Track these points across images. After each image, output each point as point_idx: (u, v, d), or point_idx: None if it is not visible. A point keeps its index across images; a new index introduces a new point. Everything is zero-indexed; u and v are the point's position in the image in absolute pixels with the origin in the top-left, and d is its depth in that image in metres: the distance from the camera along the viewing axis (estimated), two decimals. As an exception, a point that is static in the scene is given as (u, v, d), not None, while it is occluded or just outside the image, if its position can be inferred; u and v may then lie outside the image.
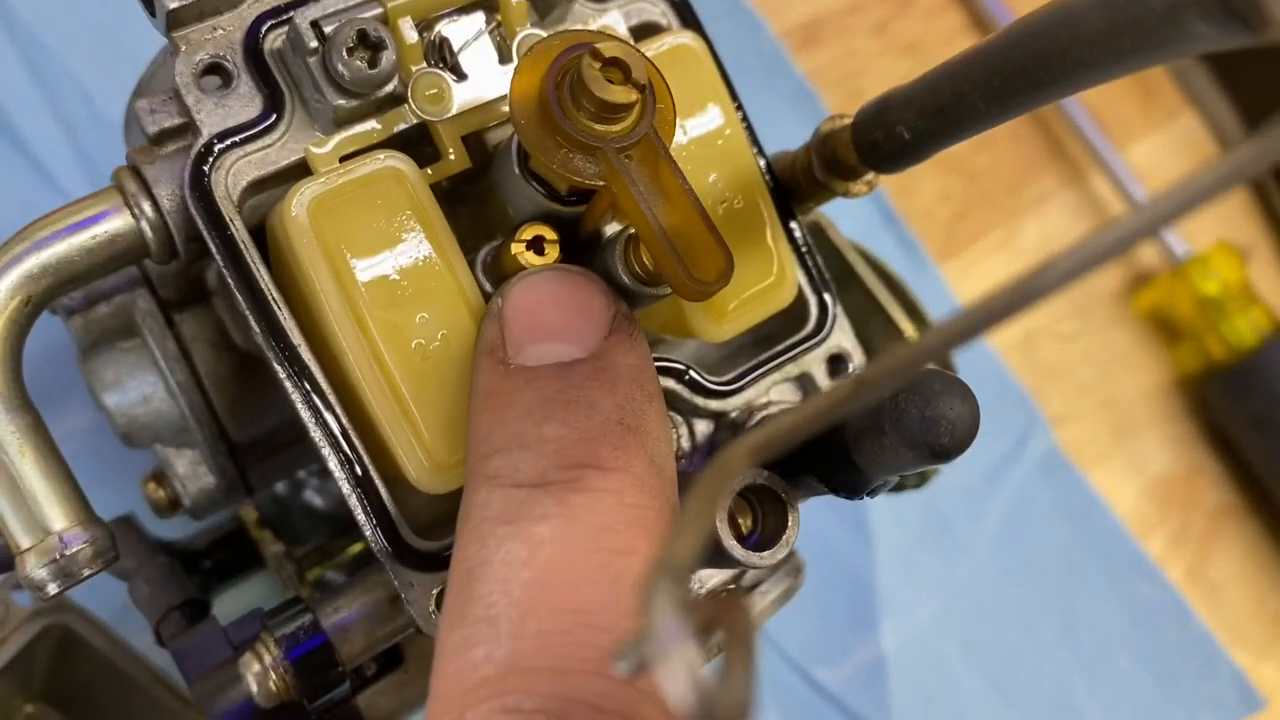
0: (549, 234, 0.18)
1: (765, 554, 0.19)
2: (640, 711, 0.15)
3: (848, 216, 0.40)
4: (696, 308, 0.20)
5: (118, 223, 0.18)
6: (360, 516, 0.18)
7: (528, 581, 0.15)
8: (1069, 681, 0.40)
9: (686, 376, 0.20)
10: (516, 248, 0.17)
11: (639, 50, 0.16)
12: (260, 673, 0.19)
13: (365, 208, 0.17)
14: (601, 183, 0.16)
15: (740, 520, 0.19)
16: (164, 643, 0.21)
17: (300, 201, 0.17)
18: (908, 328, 0.26)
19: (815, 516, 0.38)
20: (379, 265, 0.17)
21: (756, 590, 0.22)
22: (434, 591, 0.18)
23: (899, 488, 0.29)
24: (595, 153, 0.16)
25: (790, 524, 0.19)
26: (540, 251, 0.18)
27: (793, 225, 0.21)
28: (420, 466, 0.17)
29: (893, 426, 0.17)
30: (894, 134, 0.20)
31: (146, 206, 0.18)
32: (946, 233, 0.44)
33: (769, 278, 0.20)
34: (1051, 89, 0.17)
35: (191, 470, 0.23)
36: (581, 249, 0.18)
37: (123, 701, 0.30)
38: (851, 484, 0.19)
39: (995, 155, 0.46)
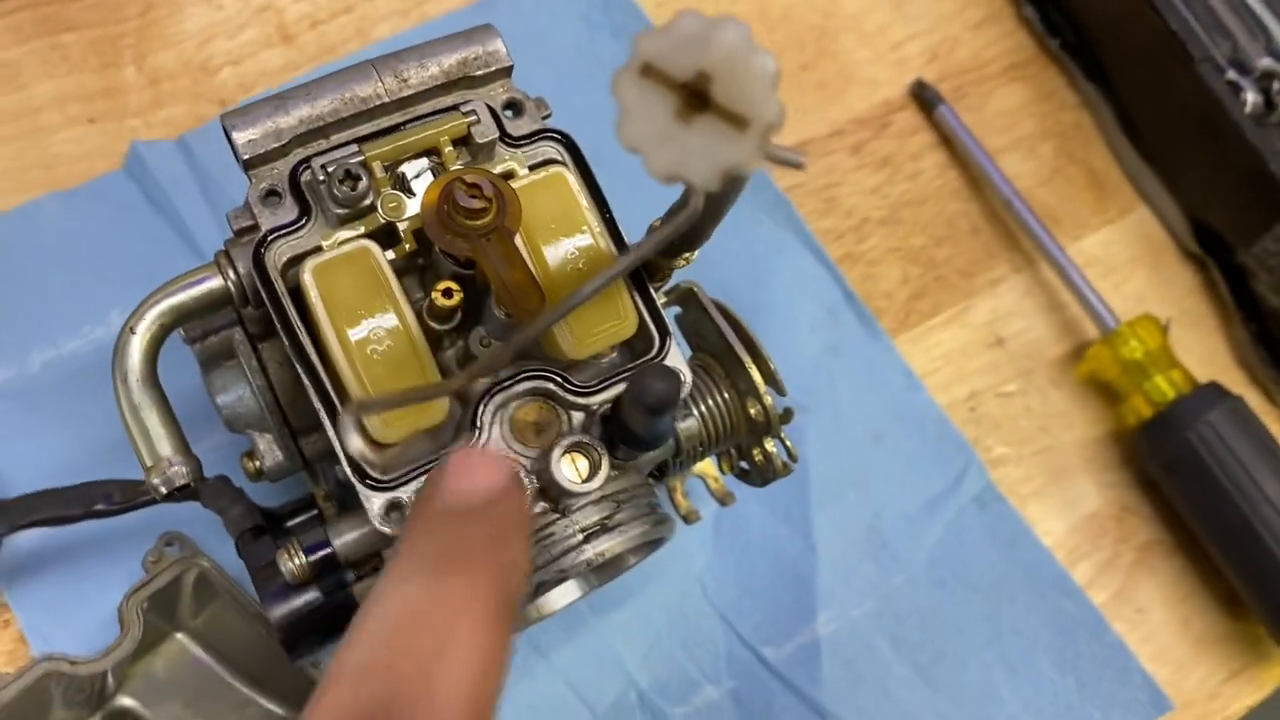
0: (454, 286, 0.29)
1: (585, 483, 0.29)
2: None
3: (815, 295, 0.50)
4: (563, 336, 0.31)
5: (215, 283, 0.31)
6: (340, 454, 0.29)
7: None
8: (992, 676, 0.48)
9: (559, 380, 0.31)
10: (435, 294, 0.29)
11: (492, 176, 0.28)
12: (289, 564, 0.31)
13: (348, 272, 0.29)
14: (471, 255, 0.28)
15: (577, 467, 0.30)
16: (240, 553, 0.33)
17: (309, 267, 0.29)
18: (749, 362, 0.36)
19: (768, 529, 0.48)
20: (353, 305, 0.29)
21: (618, 527, 0.32)
22: (382, 500, 0.29)
23: (746, 478, 0.39)
24: (466, 237, 0.28)
25: (603, 467, 0.30)
26: (449, 296, 0.29)
27: (649, 287, 0.33)
28: (375, 424, 0.29)
29: (628, 395, 0.28)
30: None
31: (231, 273, 0.31)
32: (904, 310, 0.54)
33: (615, 319, 0.31)
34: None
35: (269, 448, 0.35)
36: (478, 296, 0.30)
37: (240, 634, 0.42)
38: (643, 442, 0.29)
39: (955, 247, 0.56)
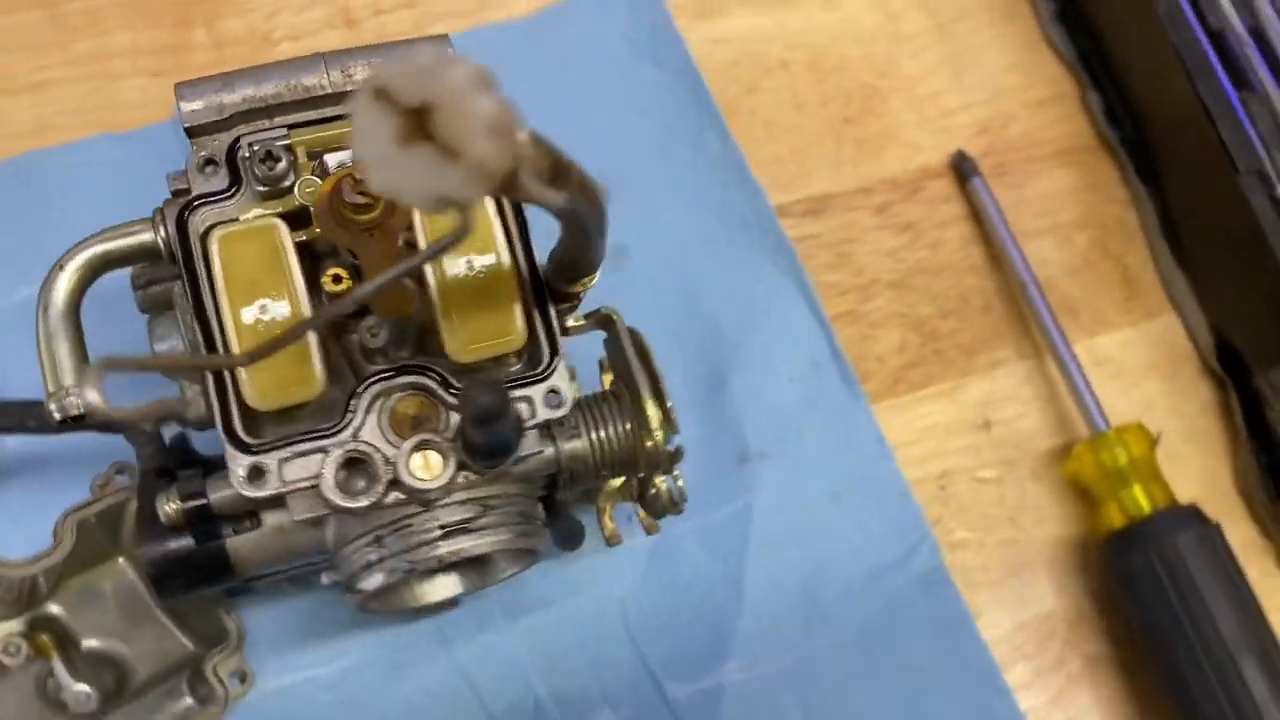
0: (343, 273, 0.31)
1: (430, 481, 0.30)
2: None
3: (802, 346, 0.50)
4: (449, 338, 0.32)
5: (147, 236, 0.33)
6: (217, 414, 0.31)
7: None
8: (901, 759, 0.47)
9: (439, 378, 0.33)
10: (324, 279, 0.31)
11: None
12: (165, 508, 0.33)
13: (252, 245, 0.31)
14: (351, 248, 0.29)
15: (428, 463, 0.31)
16: (139, 491, 0.36)
17: (217, 235, 0.31)
18: (646, 397, 0.36)
19: (701, 566, 0.48)
20: (252, 278, 0.31)
21: (480, 530, 0.33)
22: (246, 464, 0.31)
23: (646, 507, 0.40)
24: (348, 229, 0.29)
25: (449, 467, 0.31)
26: (337, 281, 0.31)
27: (550, 306, 0.34)
28: (252, 392, 0.31)
29: (459, 404, 0.29)
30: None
31: (162, 230, 0.33)
32: (894, 377, 0.53)
33: (501, 331, 0.32)
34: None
35: (195, 398, 0.37)
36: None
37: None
38: (483, 451, 0.30)
39: (962, 322, 0.55)
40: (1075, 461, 0.51)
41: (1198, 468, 0.54)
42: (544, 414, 0.33)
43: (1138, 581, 0.48)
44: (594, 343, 0.47)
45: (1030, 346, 0.55)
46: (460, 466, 0.31)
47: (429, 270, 0.32)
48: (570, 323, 0.37)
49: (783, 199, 0.55)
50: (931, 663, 0.48)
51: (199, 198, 0.32)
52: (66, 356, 0.33)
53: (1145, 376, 0.55)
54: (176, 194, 0.33)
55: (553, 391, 0.33)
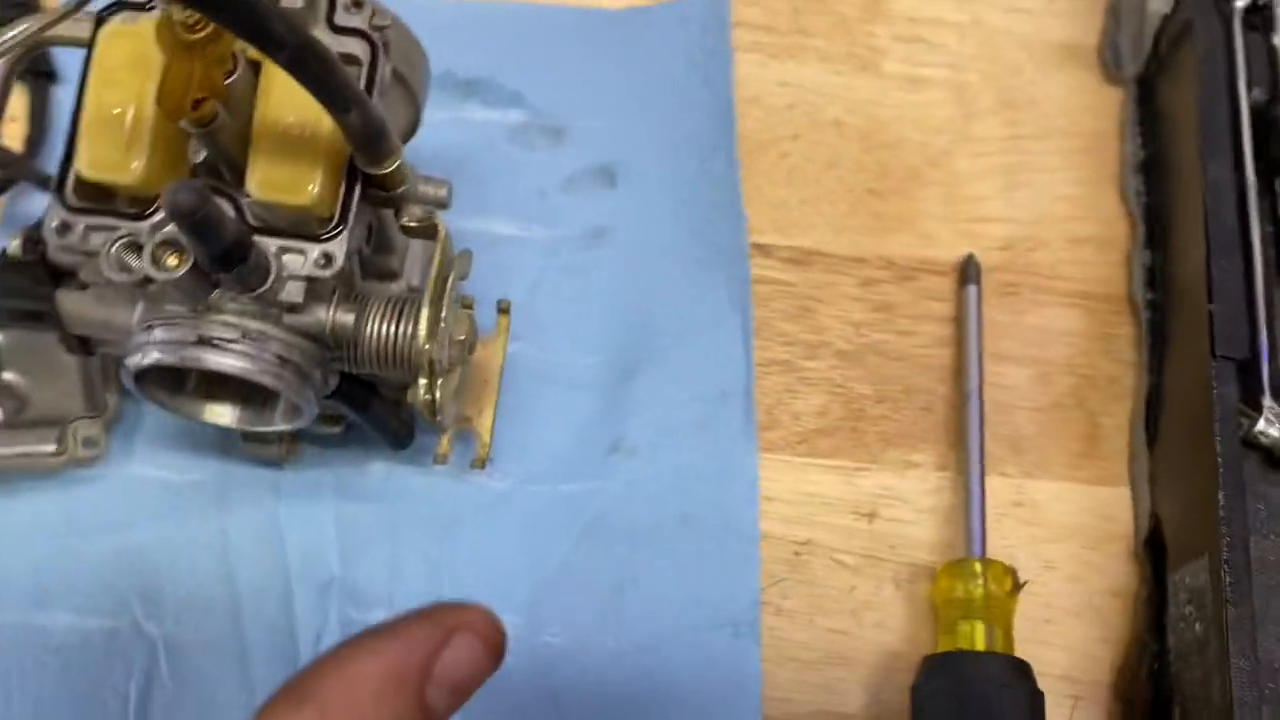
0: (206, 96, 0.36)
1: (156, 270, 0.35)
2: None
3: (717, 373, 0.51)
4: (254, 174, 0.36)
5: (86, 31, 0.40)
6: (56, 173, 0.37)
7: None
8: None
9: (234, 205, 0.37)
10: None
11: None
12: (12, 242, 0.39)
13: (129, 40, 0.37)
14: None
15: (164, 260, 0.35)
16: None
17: (105, 30, 0.37)
18: (424, 306, 0.39)
19: (523, 532, 0.50)
20: (118, 65, 0.37)
21: (227, 351, 0.37)
22: (58, 217, 0.37)
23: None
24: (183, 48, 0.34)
25: (167, 263, 0.35)
26: (195, 107, 0.36)
27: (357, 185, 0.37)
28: (81, 161, 0.37)
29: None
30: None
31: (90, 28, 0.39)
32: (801, 437, 0.53)
33: (297, 185, 0.36)
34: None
35: None
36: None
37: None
38: (212, 257, 0.34)
39: (894, 414, 0.54)
40: (937, 579, 0.49)
41: (1080, 641, 0.50)
42: (309, 269, 0.37)
43: (932, 710, 0.45)
44: (496, 286, 0.51)
45: (953, 461, 0.53)
46: (204, 275, 0.36)
47: (257, 114, 0.36)
48: (404, 221, 0.40)
49: (773, 240, 0.56)
50: (701, 705, 0.48)
51: (122, 2, 0.39)
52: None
53: (1063, 536, 0.51)
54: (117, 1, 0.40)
55: (326, 255, 0.37)
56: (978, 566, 0.48)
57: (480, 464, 0.48)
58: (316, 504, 0.50)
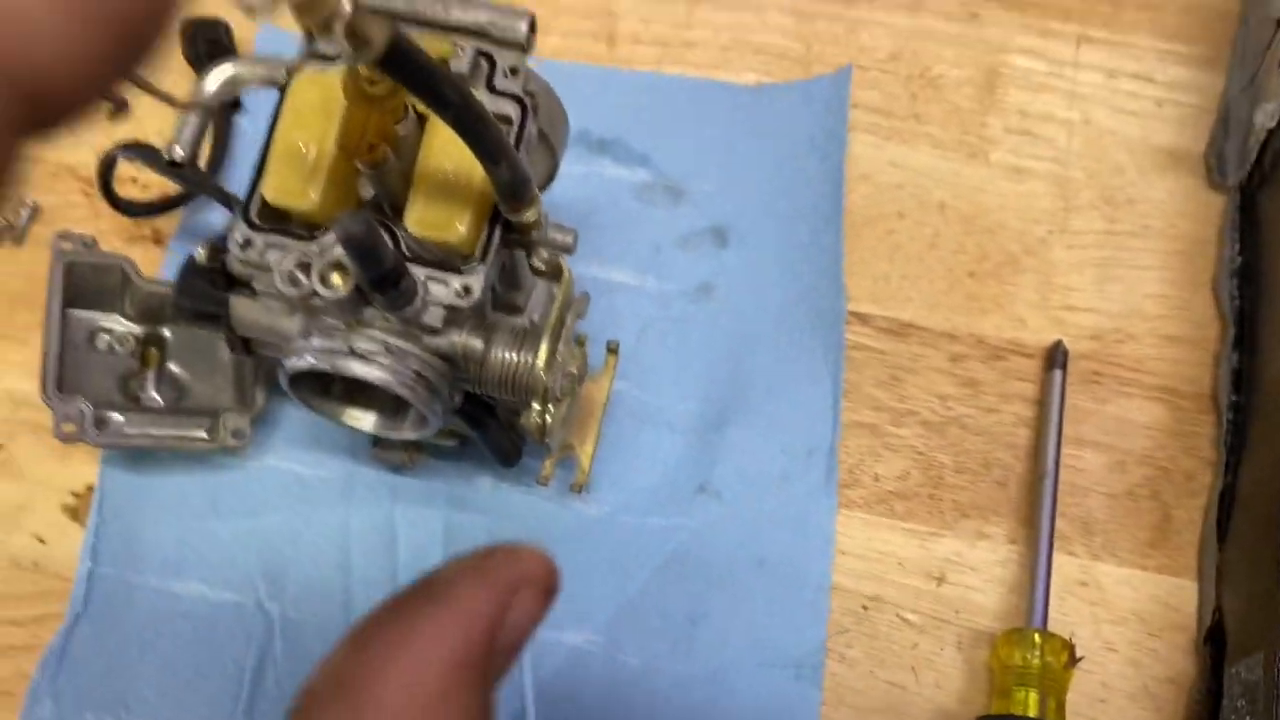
0: (377, 141, 0.42)
1: (325, 288, 0.40)
2: None
3: (806, 430, 0.55)
4: (412, 210, 0.41)
5: (280, 73, 0.46)
6: (245, 195, 0.43)
7: None
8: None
9: (392, 236, 0.42)
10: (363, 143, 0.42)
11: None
12: (200, 250, 0.45)
13: (318, 88, 0.43)
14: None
15: (331, 279, 0.40)
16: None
17: (299, 75, 0.43)
18: (545, 339, 0.43)
19: (613, 557, 0.54)
20: (307, 109, 0.43)
21: (374, 364, 0.42)
22: (241, 233, 0.42)
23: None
24: (364, 99, 0.40)
25: (335, 282, 0.40)
26: (371, 149, 0.42)
27: (498, 229, 0.42)
28: (267, 186, 0.42)
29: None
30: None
31: (284, 73, 0.45)
32: (880, 498, 0.56)
33: (449, 224, 0.41)
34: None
35: None
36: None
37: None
38: (369, 281, 0.39)
39: (972, 485, 0.56)
40: (997, 647, 0.51)
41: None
42: (450, 299, 0.42)
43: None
44: (608, 328, 0.55)
45: (1024, 536, 0.55)
46: (361, 295, 0.41)
47: (419, 159, 0.41)
48: (534, 262, 0.45)
49: (871, 310, 0.60)
50: (756, 737, 0.51)
51: (315, 54, 0.44)
52: (191, 129, 0.46)
53: (1125, 621, 0.53)
54: (312, 53, 0.45)
55: (466, 287, 0.42)
56: (1037, 637, 0.50)
57: (578, 489, 0.52)
58: (429, 509, 0.55)
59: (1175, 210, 0.62)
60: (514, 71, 0.44)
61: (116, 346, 0.57)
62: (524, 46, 0.44)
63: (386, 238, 0.42)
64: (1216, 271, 0.61)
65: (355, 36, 0.30)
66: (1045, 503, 0.54)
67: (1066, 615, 0.53)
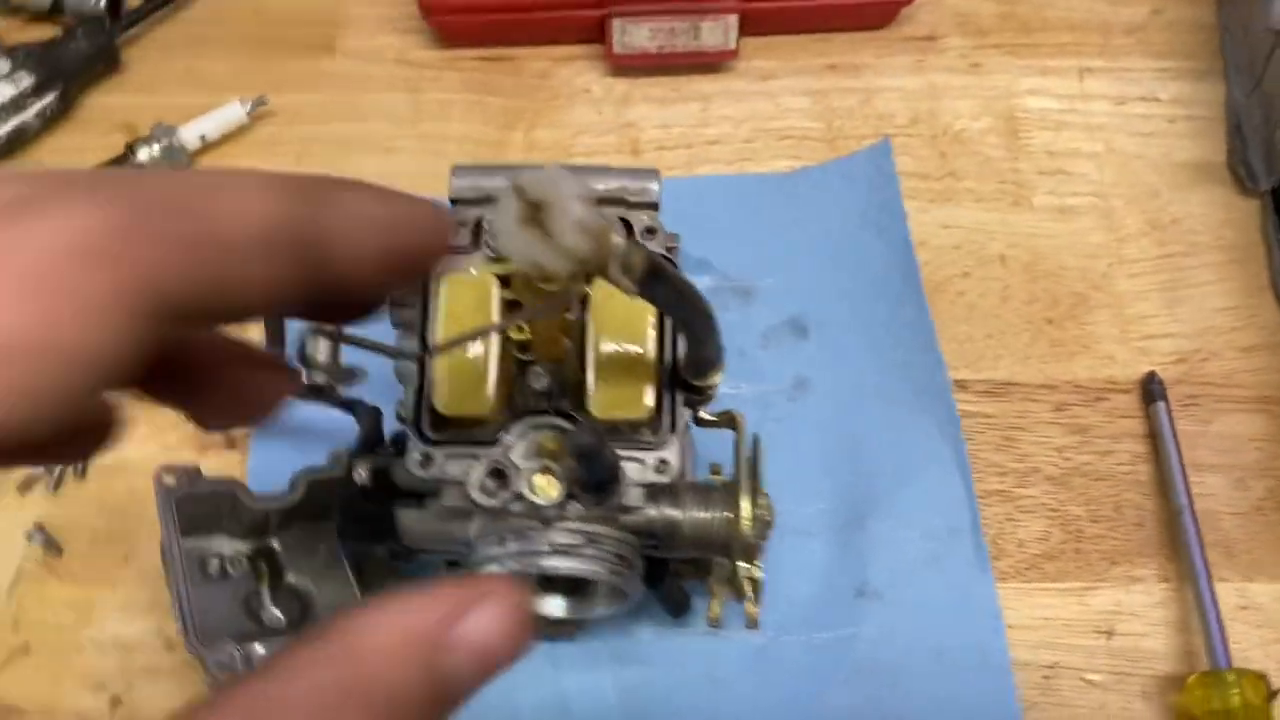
0: (525, 325, 0.40)
1: (543, 498, 0.38)
2: None
3: (944, 512, 0.55)
4: (595, 397, 0.40)
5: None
6: (410, 409, 0.41)
7: None
8: None
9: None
10: (512, 328, 0.40)
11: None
12: (360, 471, 0.43)
13: (468, 291, 0.41)
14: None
15: (546, 485, 0.39)
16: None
17: (446, 277, 0.41)
18: (743, 491, 0.42)
19: (790, 683, 0.53)
20: (460, 315, 0.41)
21: (579, 556, 0.41)
22: (420, 451, 0.40)
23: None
24: (535, 294, 0.38)
25: (556, 490, 0.38)
26: (520, 330, 0.40)
27: (677, 392, 0.41)
28: (439, 399, 0.40)
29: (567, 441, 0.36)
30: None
31: None
32: (1029, 563, 0.56)
33: (630, 401, 0.40)
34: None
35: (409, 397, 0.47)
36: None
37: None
38: (585, 485, 0.38)
39: (1111, 531, 0.57)
40: (1187, 694, 0.52)
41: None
42: (650, 476, 0.40)
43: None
44: (716, 447, 0.54)
45: (1173, 571, 0.56)
46: (571, 495, 0.39)
47: (590, 342, 0.40)
48: (703, 415, 0.44)
49: (967, 375, 0.60)
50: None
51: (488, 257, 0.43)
52: (326, 343, 0.44)
53: (1290, 634, 0.55)
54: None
55: (662, 461, 0.41)
56: (1230, 677, 0.51)
57: (753, 624, 0.51)
58: (596, 673, 0.53)
59: (1216, 221, 0.64)
60: (651, 231, 0.43)
61: (229, 569, 0.53)
62: (656, 205, 0.43)
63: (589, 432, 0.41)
64: (1271, 275, 0.63)
65: (628, 269, 0.29)
66: (1191, 540, 0.55)
67: (1237, 642, 0.54)
